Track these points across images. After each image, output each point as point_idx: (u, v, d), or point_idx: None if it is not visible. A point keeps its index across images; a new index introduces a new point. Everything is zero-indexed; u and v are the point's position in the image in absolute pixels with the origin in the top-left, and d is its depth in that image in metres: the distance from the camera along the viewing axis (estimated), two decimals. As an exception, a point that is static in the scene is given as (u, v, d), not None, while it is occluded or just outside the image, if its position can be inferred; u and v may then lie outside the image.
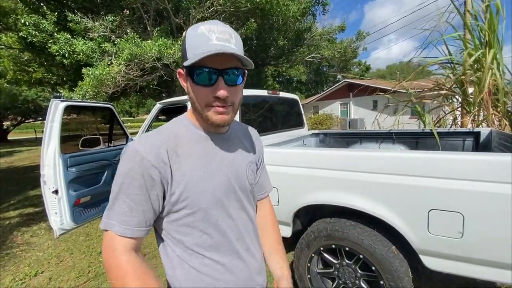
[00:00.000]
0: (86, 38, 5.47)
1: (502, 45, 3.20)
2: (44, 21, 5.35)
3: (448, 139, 2.68)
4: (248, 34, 7.05)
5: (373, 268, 1.52)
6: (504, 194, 1.15)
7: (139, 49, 5.06)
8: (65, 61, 5.50)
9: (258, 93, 2.72)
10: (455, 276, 1.36)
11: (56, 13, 5.60)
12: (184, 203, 0.64)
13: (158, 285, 0.60)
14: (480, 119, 3.23)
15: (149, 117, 3.02)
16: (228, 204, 0.70)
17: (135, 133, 5.09)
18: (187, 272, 0.67)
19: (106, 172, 2.84)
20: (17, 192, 5.45)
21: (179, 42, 5.53)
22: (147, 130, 2.96)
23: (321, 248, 1.73)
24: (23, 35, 5.46)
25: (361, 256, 1.57)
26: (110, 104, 3.08)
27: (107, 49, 5.34)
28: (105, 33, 5.64)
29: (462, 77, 3.29)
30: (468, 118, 3.35)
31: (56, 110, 2.32)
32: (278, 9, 6.79)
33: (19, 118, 21.63)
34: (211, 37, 0.60)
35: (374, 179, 1.46)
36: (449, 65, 3.80)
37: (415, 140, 2.85)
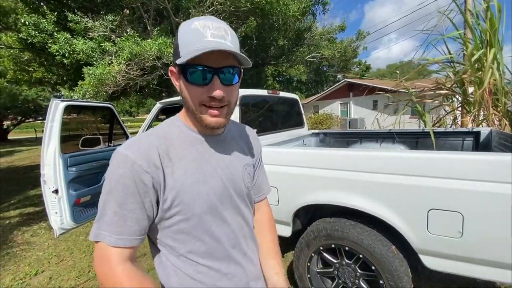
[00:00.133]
0: (86, 37, 5.47)
1: (502, 44, 3.20)
2: (44, 20, 5.35)
3: (448, 139, 2.68)
4: (248, 33, 7.03)
5: (373, 267, 1.53)
6: (504, 194, 1.15)
7: (139, 47, 5.05)
8: (65, 61, 5.49)
9: (258, 93, 2.72)
10: (455, 275, 1.36)
11: (56, 13, 5.59)
12: (176, 209, 0.61)
13: None
14: (480, 119, 3.22)
15: (149, 117, 3.02)
16: (223, 209, 0.67)
17: (135, 133, 5.09)
18: (182, 280, 0.64)
19: (106, 171, 2.85)
20: (17, 191, 5.45)
21: (179, 41, 5.50)
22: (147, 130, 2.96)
23: (321, 248, 1.73)
24: (23, 36, 5.46)
25: (360, 256, 1.57)
26: (110, 104, 3.08)
27: (107, 48, 5.33)
28: (105, 33, 5.63)
29: (464, 76, 3.29)
30: (468, 117, 3.35)
31: (56, 109, 2.32)
32: (278, 9, 6.78)
33: (19, 118, 21.66)
34: (205, 33, 0.56)
35: (374, 179, 1.46)
36: (449, 64, 3.80)
37: (415, 140, 2.85)
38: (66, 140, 2.51)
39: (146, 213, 0.59)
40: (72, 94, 5.25)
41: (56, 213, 2.33)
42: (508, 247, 1.17)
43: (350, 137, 3.29)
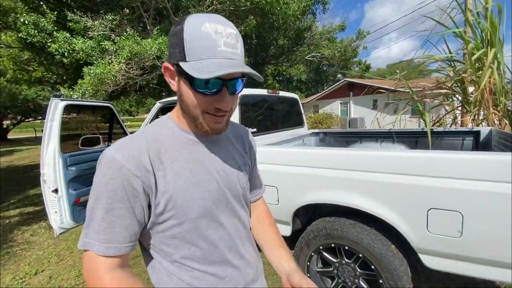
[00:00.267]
0: (85, 37, 5.47)
1: (502, 42, 3.19)
2: (44, 20, 5.34)
3: (448, 138, 2.68)
4: (247, 32, 7.03)
5: (373, 267, 1.53)
6: (504, 193, 1.15)
7: (139, 47, 5.05)
8: (64, 60, 5.49)
9: (258, 92, 2.72)
10: (454, 275, 1.36)
11: (56, 12, 5.59)
12: (170, 213, 0.59)
13: None
14: (480, 118, 3.22)
15: (149, 116, 3.02)
16: (218, 212, 0.65)
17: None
18: (176, 285, 0.62)
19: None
20: (17, 191, 5.45)
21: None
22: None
23: (321, 247, 1.73)
24: (22, 36, 5.46)
25: (360, 255, 1.57)
26: (110, 103, 3.08)
27: (107, 47, 5.33)
28: (105, 32, 5.63)
29: (464, 75, 3.29)
30: (468, 117, 3.35)
31: (56, 109, 2.32)
32: (278, 8, 6.77)
33: (19, 117, 21.64)
34: (218, 41, 0.53)
35: (374, 178, 1.47)
36: (449, 63, 3.80)
37: (415, 140, 2.85)
38: (66, 139, 2.51)
39: (136, 218, 0.57)
40: (71, 93, 5.25)
41: (56, 212, 2.33)
42: (507, 246, 1.17)
43: (350, 136, 3.29)
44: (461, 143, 2.62)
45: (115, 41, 5.40)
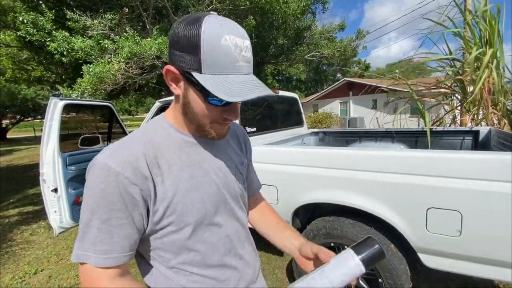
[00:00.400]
0: (85, 36, 5.46)
1: (501, 40, 3.19)
2: (42, 18, 5.33)
3: (447, 138, 2.68)
4: (247, 32, 7.01)
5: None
6: (503, 193, 1.16)
7: (139, 47, 5.05)
8: (64, 59, 5.48)
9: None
10: (454, 274, 1.36)
11: (55, 11, 5.58)
12: (169, 219, 0.56)
13: None
14: (479, 118, 3.23)
15: (148, 116, 3.01)
16: (217, 215, 0.64)
17: (135, 132, 5.06)
18: None
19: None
20: (16, 190, 5.44)
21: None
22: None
23: (320, 247, 1.73)
24: (21, 34, 5.44)
25: (360, 255, 1.57)
26: (109, 103, 3.08)
27: (106, 46, 5.32)
28: (104, 31, 5.62)
29: (463, 74, 3.29)
30: (468, 116, 3.35)
31: (55, 108, 2.31)
32: (278, 7, 6.76)
33: (18, 117, 21.60)
34: (237, 56, 0.51)
35: (374, 178, 1.47)
36: (449, 62, 3.80)
37: (415, 139, 2.86)
38: (65, 139, 2.51)
39: (136, 227, 0.54)
40: (71, 93, 5.24)
41: (55, 212, 2.33)
42: (507, 245, 1.17)
43: (350, 136, 3.29)
44: (461, 143, 2.63)
45: (115, 40, 5.39)
